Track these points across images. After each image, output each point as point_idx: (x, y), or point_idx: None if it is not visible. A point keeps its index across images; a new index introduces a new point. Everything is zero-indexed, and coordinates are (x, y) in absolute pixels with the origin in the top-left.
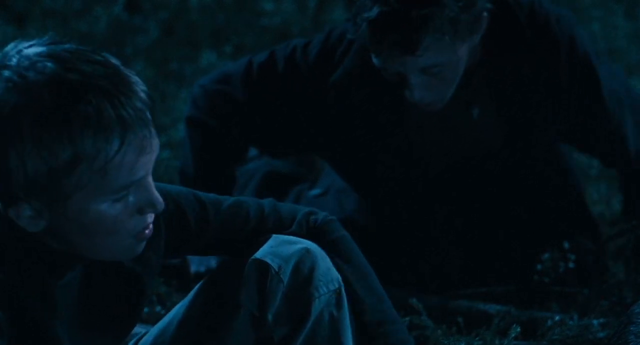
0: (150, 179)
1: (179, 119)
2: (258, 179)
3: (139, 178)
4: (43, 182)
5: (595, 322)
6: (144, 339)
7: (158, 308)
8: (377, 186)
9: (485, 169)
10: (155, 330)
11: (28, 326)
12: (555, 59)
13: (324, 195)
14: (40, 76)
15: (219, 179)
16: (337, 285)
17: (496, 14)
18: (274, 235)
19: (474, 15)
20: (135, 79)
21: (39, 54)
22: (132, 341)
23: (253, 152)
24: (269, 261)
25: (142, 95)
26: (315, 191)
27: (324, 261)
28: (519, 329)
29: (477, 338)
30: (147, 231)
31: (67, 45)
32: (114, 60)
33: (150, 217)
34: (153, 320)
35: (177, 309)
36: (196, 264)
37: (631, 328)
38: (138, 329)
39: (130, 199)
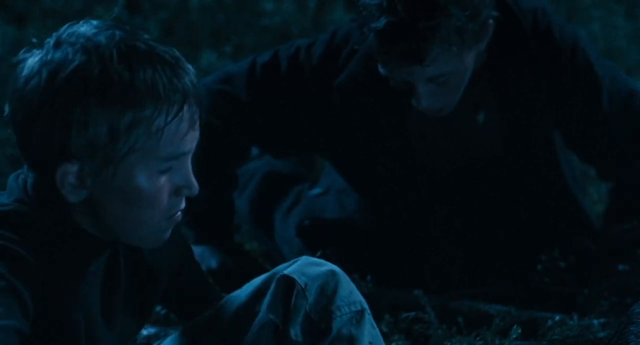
0: (190, 162)
1: None
2: (258, 178)
3: (186, 151)
4: (101, 140)
5: (595, 322)
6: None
7: (158, 308)
8: (378, 189)
9: (487, 172)
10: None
11: (50, 308)
12: (556, 66)
13: (325, 195)
14: (109, 40)
15: (221, 179)
16: (359, 307)
17: (501, 20)
18: (303, 257)
19: (480, 23)
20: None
21: (105, 24)
22: None
23: (253, 151)
24: (296, 278)
25: (193, 76)
26: (315, 191)
27: (347, 284)
28: (520, 330)
29: (477, 338)
30: (177, 215)
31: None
32: None
33: (183, 203)
34: (153, 319)
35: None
36: None
37: (631, 328)
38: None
39: (173, 175)
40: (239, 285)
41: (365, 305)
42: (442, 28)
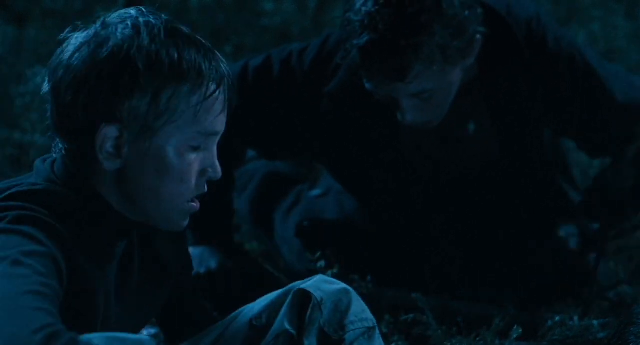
0: (216, 146)
1: None
2: (258, 179)
3: (217, 131)
4: (143, 109)
5: (595, 322)
6: None
7: None
8: (374, 197)
9: (483, 178)
10: None
11: (76, 284)
12: (553, 75)
13: (324, 196)
14: (157, 19)
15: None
16: (371, 324)
17: (494, 32)
18: (319, 275)
19: (465, 40)
20: None
21: (148, 9)
22: None
23: (252, 153)
24: (312, 292)
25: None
26: (315, 192)
27: (359, 302)
28: (520, 330)
29: (477, 339)
30: (195, 204)
31: None
32: None
33: (205, 187)
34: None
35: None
36: (197, 264)
37: (631, 329)
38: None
39: (201, 154)
40: (239, 285)
41: (376, 323)
42: (425, 46)
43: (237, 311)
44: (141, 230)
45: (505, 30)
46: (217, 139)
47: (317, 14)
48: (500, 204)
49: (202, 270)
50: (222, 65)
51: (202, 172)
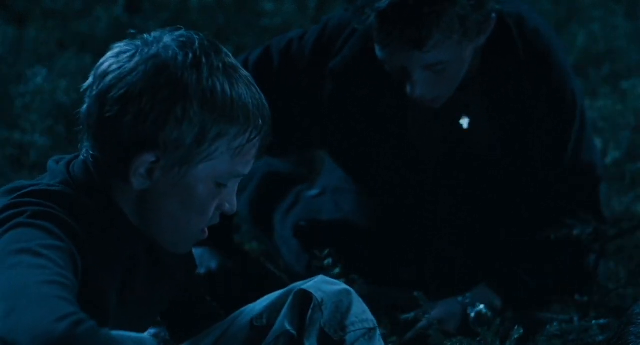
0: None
1: None
2: (258, 179)
3: (245, 173)
4: (188, 141)
5: (595, 323)
6: None
7: None
8: (376, 178)
9: (484, 174)
10: None
11: (89, 278)
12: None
13: (321, 196)
14: (217, 52)
15: None
16: (371, 325)
17: (499, 33)
18: (320, 276)
19: (483, 15)
20: None
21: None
22: None
23: None
24: (313, 293)
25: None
26: (312, 192)
27: (360, 303)
28: (521, 331)
29: (478, 339)
30: (205, 233)
31: None
32: None
33: (218, 218)
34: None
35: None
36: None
37: (631, 329)
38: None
39: (224, 191)
40: (240, 286)
41: (377, 324)
42: (446, 15)
43: (237, 311)
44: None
45: (507, 33)
46: (241, 178)
47: (317, 14)
48: (501, 201)
49: (203, 271)
50: (265, 105)
51: (219, 206)
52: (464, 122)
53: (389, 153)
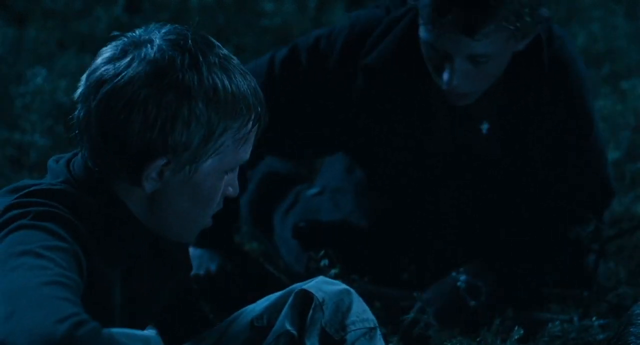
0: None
1: None
2: (257, 179)
3: (247, 158)
4: (196, 140)
5: (595, 323)
6: None
7: None
8: (384, 176)
9: (493, 177)
10: None
11: (95, 278)
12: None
13: (320, 195)
14: (209, 47)
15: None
16: (372, 325)
17: (530, 47)
18: (320, 276)
19: (534, 19)
20: None
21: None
22: None
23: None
24: (314, 292)
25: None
26: (311, 191)
27: (360, 303)
28: (522, 331)
29: (478, 339)
30: (210, 219)
31: None
32: None
33: (222, 203)
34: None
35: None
36: (196, 266)
37: (631, 329)
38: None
39: (228, 176)
40: (239, 287)
41: (377, 324)
42: (505, 8)
43: (238, 312)
44: (154, 236)
45: (536, 41)
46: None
47: (317, 15)
48: (503, 203)
49: (202, 272)
50: (258, 87)
51: (224, 192)
52: (484, 127)
53: (405, 150)
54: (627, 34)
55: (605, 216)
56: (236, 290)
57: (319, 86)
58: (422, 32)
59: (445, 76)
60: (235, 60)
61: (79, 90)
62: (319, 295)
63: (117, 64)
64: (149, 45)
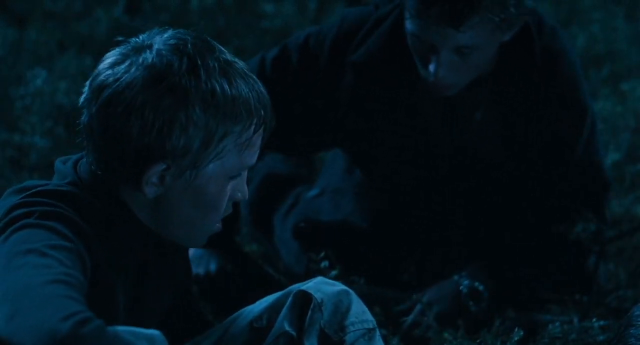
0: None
1: None
2: (257, 181)
3: (253, 162)
4: (195, 145)
5: (595, 324)
6: None
7: None
8: (384, 174)
9: (491, 175)
10: None
11: (99, 278)
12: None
13: (320, 196)
14: (210, 51)
15: None
16: (371, 326)
17: (517, 38)
18: (319, 277)
19: (519, 10)
20: None
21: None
22: None
23: None
24: (313, 293)
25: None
26: (312, 192)
27: (359, 304)
28: (522, 333)
29: (478, 340)
30: (219, 225)
31: None
32: None
33: (231, 208)
34: None
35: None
36: (196, 266)
37: (631, 331)
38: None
39: (235, 183)
40: (239, 287)
41: (376, 325)
42: None
43: (237, 313)
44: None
45: (526, 33)
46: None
47: (317, 16)
48: (505, 203)
49: (202, 272)
50: (263, 91)
51: (231, 196)
52: (477, 115)
53: (400, 148)
54: (627, 35)
55: (607, 214)
56: (236, 290)
57: (310, 85)
58: (408, 25)
59: (432, 68)
60: (240, 64)
61: (83, 96)
62: (317, 296)
63: (117, 69)
64: (148, 51)
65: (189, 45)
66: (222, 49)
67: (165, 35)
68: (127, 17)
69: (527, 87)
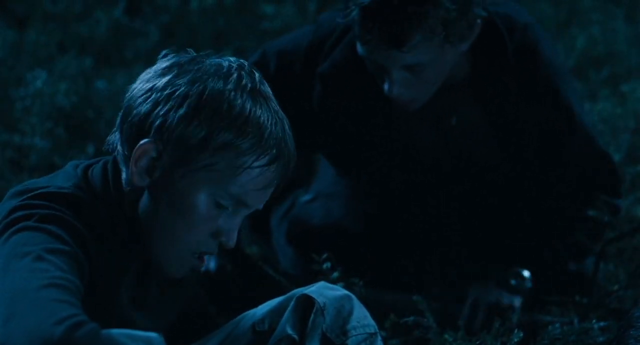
0: (242, 222)
1: None
2: None
3: (249, 205)
4: (192, 141)
5: (595, 325)
6: None
7: None
8: (368, 181)
9: (483, 177)
10: None
11: (97, 282)
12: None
13: (313, 201)
14: (251, 79)
15: None
16: (373, 330)
17: (488, 35)
18: (321, 282)
19: (467, 20)
20: None
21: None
22: None
23: None
24: (315, 297)
25: (292, 142)
26: (306, 197)
27: (361, 309)
28: (521, 334)
29: (478, 342)
30: (199, 262)
31: None
32: None
33: (215, 249)
34: None
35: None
36: None
37: (631, 332)
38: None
39: (223, 217)
40: (238, 287)
41: (378, 329)
42: (429, 17)
43: (239, 316)
44: None
45: (498, 35)
46: (247, 212)
47: (317, 17)
48: (501, 204)
49: (202, 272)
50: (289, 144)
51: (216, 234)
52: (454, 121)
53: (378, 155)
54: (626, 37)
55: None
56: (236, 290)
57: (287, 90)
58: (358, 47)
59: (386, 87)
60: (276, 106)
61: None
62: (320, 300)
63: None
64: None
65: (235, 64)
66: (265, 82)
67: (228, 59)
68: (127, 18)
69: (506, 89)
